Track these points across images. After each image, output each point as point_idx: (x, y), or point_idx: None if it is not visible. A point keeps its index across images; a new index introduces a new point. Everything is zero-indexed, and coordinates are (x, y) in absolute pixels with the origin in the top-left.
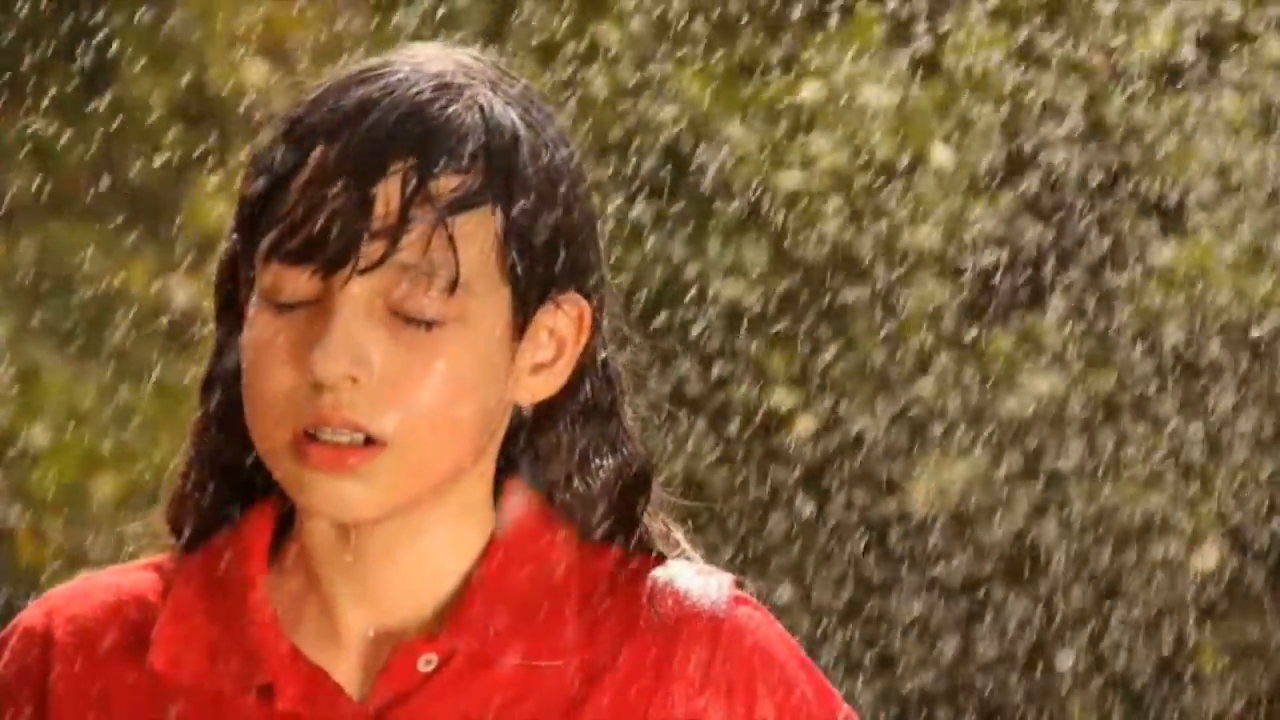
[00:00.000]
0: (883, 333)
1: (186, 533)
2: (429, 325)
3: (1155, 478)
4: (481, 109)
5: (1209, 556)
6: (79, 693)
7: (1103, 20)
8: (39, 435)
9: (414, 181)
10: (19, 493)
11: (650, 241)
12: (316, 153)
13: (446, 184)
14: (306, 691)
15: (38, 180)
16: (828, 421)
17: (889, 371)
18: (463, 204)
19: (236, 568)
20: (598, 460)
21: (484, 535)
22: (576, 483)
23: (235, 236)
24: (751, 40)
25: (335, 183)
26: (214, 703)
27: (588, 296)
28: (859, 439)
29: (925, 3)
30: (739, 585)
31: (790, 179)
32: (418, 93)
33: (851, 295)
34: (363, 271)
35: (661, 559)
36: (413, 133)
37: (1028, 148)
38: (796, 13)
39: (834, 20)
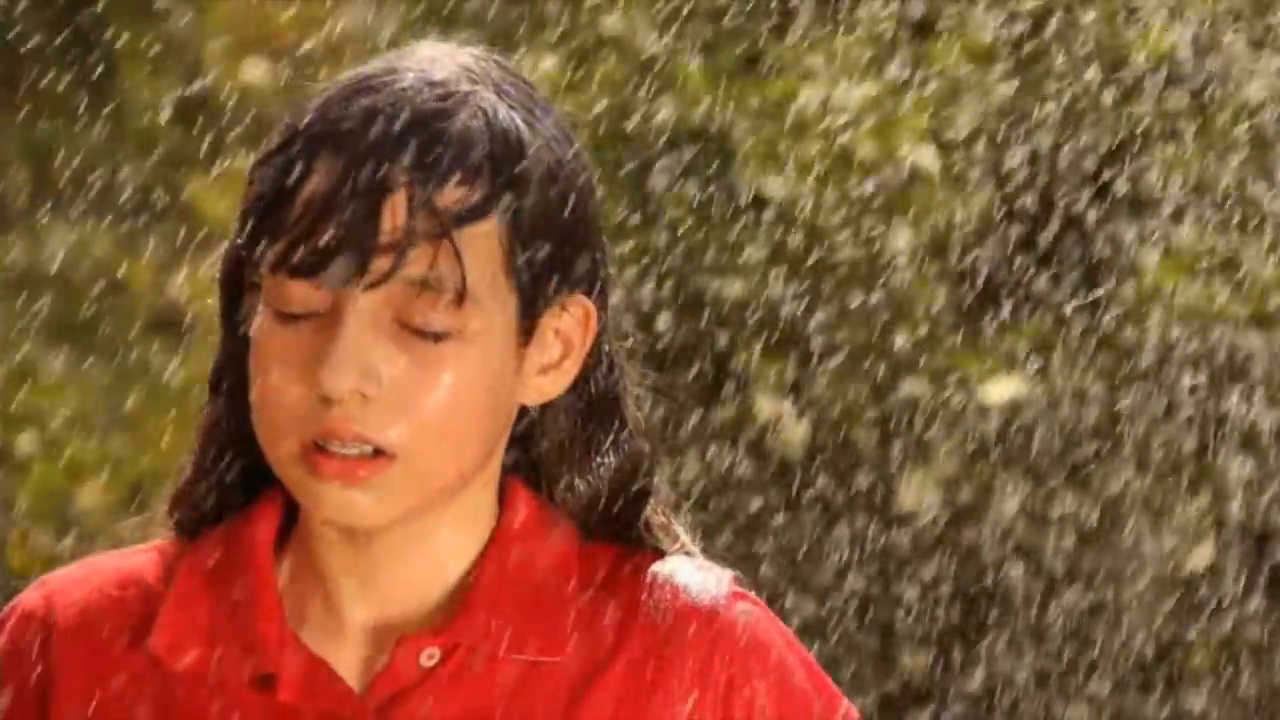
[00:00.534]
0: (874, 333)
1: (188, 528)
2: (437, 337)
3: (1147, 475)
4: (486, 115)
5: (1202, 555)
6: (82, 676)
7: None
8: (27, 441)
9: (421, 195)
10: (8, 499)
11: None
12: (322, 164)
13: (452, 195)
14: (308, 683)
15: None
16: (816, 423)
17: (876, 372)
18: (469, 215)
19: (243, 558)
20: (600, 457)
21: (487, 531)
22: (579, 479)
23: (239, 241)
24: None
25: (342, 197)
26: (215, 690)
27: (592, 295)
28: (847, 441)
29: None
30: (738, 581)
31: (778, 184)
32: (423, 101)
33: (842, 297)
34: (370, 286)
35: (661, 554)
36: (419, 145)
37: (1018, 145)
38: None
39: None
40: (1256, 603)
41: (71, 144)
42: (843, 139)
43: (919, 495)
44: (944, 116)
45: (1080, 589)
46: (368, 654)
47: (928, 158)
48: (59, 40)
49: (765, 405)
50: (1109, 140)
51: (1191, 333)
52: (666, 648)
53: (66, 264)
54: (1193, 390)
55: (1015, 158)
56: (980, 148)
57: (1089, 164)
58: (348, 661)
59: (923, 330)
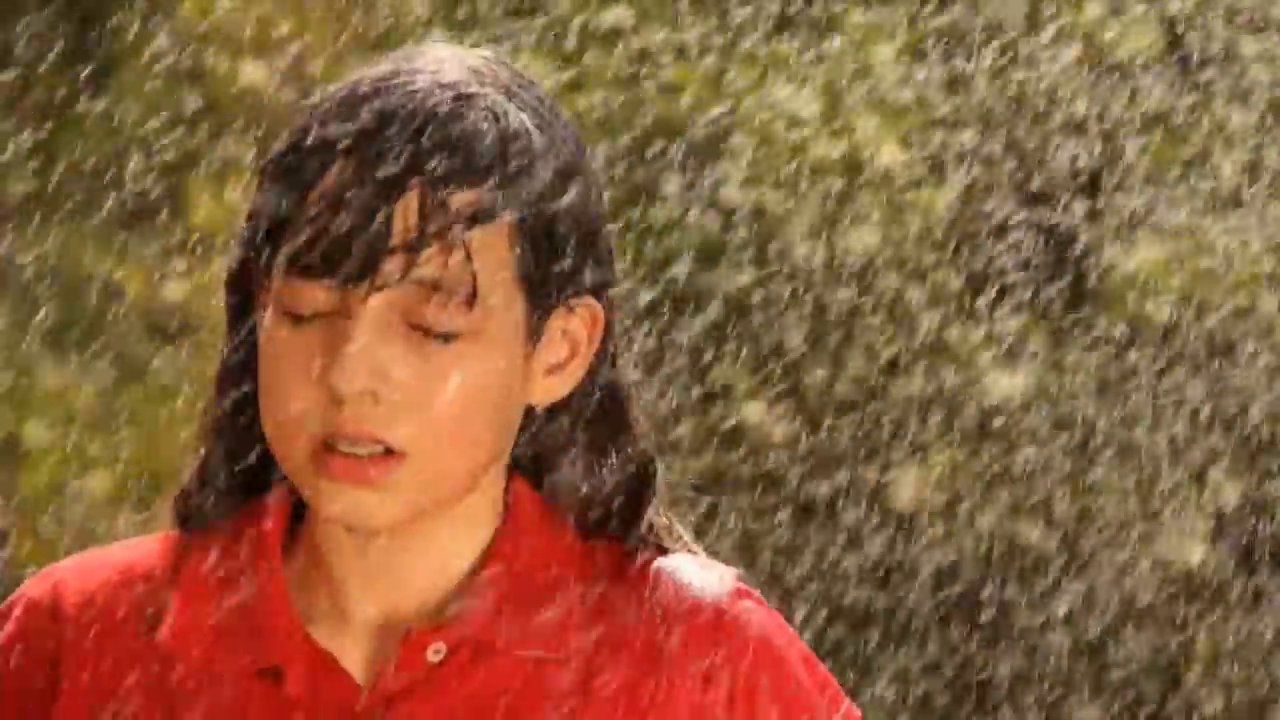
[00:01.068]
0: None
1: (193, 525)
2: (447, 338)
3: (1141, 472)
4: (496, 118)
5: (1196, 552)
6: (90, 666)
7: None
8: (32, 434)
9: (433, 197)
10: (12, 492)
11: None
12: (334, 167)
13: (463, 198)
14: (315, 676)
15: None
16: (804, 425)
17: (866, 372)
18: (480, 217)
19: (253, 553)
20: (605, 456)
21: (492, 528)
22: (583, 478)
23: (247, 241)
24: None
25: (355, 198)
26: (221, 682)
27: (599, 296)
28: (836, 442)
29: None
30: (741, 579)
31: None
32: (435, 104)
33: (829, 296)
34: (381, 288)
35: (664, 552)
36: (431, 148)
37: (1010, 145)
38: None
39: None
40: (1253, 601)
41: (71, 145)
42: (823, 140)
43: (918, 493)
44: (928, 112)
45: (1080, 588)
46: (374, 649)
47: (901, 156)
48: (59, 40)
49: (751, 407)
50: (1095, 134)
51: (1185, 326)
52: (670, 645)
53: (66, 264)
54: (1185, 385)
55: (996, 152)
56: (964, 142)
57: (1077, 160)
58: (354, 656)
59: (914, 328)
